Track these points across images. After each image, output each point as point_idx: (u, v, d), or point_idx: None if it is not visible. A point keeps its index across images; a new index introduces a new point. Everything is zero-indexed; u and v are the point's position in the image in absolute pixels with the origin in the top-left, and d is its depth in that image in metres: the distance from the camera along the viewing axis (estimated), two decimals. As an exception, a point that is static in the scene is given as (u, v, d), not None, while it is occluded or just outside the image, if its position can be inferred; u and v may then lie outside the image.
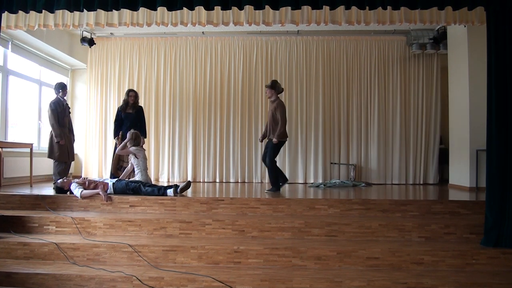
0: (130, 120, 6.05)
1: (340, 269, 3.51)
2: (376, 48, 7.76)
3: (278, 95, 5.61)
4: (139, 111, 6.21)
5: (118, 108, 6.33)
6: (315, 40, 7.81)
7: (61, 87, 5.89)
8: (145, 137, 6.18)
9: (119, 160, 5.91)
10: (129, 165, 5.52)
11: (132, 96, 6.12)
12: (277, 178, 5.57)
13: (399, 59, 7.73)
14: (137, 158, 5.38)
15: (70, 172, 7.77)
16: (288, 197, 4.82)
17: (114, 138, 6.16)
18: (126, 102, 6.16)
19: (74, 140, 6.16)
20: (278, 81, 5.73)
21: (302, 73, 7.78)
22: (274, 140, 5.43)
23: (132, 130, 5.53)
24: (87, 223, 4.12)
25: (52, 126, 5.72)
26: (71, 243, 3.76)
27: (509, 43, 3.76)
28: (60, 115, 5.75)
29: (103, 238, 3.95)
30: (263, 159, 5.73)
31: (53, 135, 5.72)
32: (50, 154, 5.78)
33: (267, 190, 5.52)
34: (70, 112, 6.11)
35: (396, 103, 7.68)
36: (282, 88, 5.68)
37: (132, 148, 5.39)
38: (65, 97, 5.98)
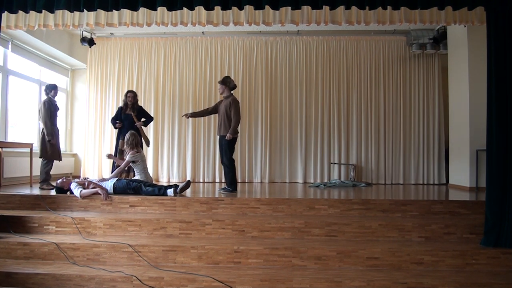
0: (129, 121, 6.06)
1: (340, 269, 3.52)
2: (376, 48, 7.77)
3: (232, 92, 5.57)
4: (139, 112, 6.20)
5: (119, 107, 6.30)
6: (315, 40, 7.81)
7: (52, 88, 5.84)
8: (152, 119, 6.47)
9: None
10: (122, 164, 5.40)
11: (130, 97, 6.10)
12: (235, 177, 5.50)
13: (399, 59, 7.74)
14: (135, 163, 5.37)
15: (70, 172, 7.80)
16: (288, 197, 4.82)
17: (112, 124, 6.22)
18: (125, 103, 6.16)
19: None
20: (230, 77, 5.67)
21: (302, 73, 7.78)
22: (228, 135, 5.35)
23: (129, 133, 5.46)
24: (87, 223, 4.12)
25: (45, 124, 5.64)
26: (71, 243, 3.76)
27: (509, 43, 3.76)
28: (53, 114, 5.71)
29: (103, 238, 3.95)
30: (222, 159, 5.60)
31: (45, 134, 5.63)
32: (43, 153, 5.68)
33: (222, 190, 5.42)
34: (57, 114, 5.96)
35: (396, 103, 7.69)
36: (235, 84, 5.62)
37: (129, 157, 5.32)
38: (55, 97, 5.88)
